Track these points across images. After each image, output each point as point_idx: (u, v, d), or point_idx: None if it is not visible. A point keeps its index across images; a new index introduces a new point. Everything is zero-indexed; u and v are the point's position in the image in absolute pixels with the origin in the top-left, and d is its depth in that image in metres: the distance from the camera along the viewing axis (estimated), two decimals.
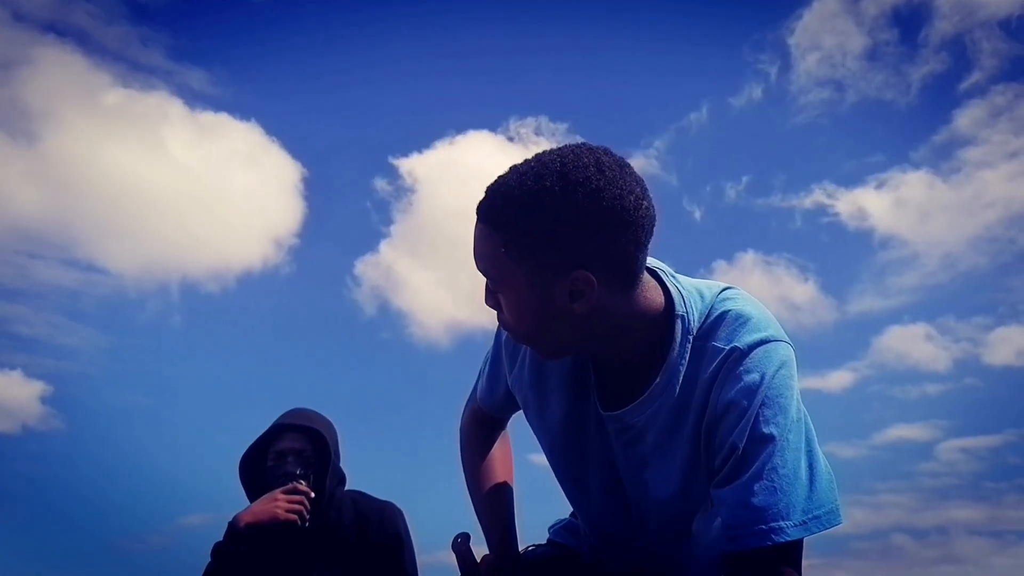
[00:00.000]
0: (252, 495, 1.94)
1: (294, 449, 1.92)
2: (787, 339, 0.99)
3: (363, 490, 2.04)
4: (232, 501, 1.94)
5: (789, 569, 0.88)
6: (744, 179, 6.97)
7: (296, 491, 1.82)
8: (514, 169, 0.93)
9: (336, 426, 2.05)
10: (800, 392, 0.97)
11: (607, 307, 0.94)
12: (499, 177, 0.94)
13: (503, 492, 1.34)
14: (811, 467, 0.92)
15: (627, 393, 1.03)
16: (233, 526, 1.78)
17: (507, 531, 1.29)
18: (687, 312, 1.00)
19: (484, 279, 0.98)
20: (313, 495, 1.84)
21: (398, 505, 2.00)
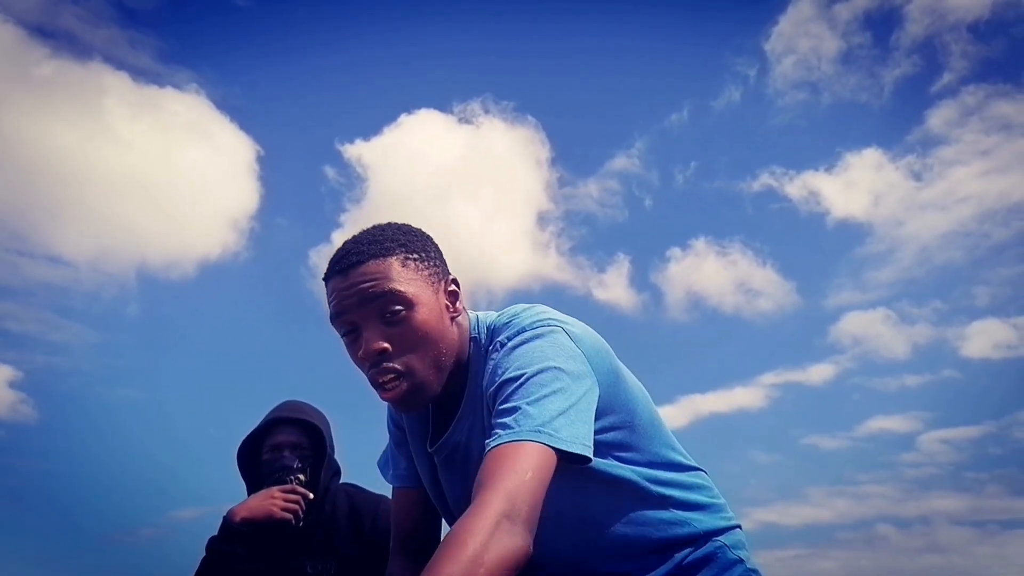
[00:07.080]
0: (249, 488, 1.94)
1: (290, 442, 1.91)
2: (558, 325, 1.10)
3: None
4: (224, 494, 1.95)
5: (523, 462, 0.93)
6: (692, 164, 7.04)
7: (294, 492, 1.81)
8: (355, 235, 1.11)
9: None
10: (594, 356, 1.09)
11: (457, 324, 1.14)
12: (346, 241, 1.11)
13: None
14: (562, 408, 0.99)
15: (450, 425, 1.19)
16: (228, 521, 1.77)
17: None
18: (479, 334, 1.17)
19: (364, 324, 1.06)
20: (312, 496, 1.84)
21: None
